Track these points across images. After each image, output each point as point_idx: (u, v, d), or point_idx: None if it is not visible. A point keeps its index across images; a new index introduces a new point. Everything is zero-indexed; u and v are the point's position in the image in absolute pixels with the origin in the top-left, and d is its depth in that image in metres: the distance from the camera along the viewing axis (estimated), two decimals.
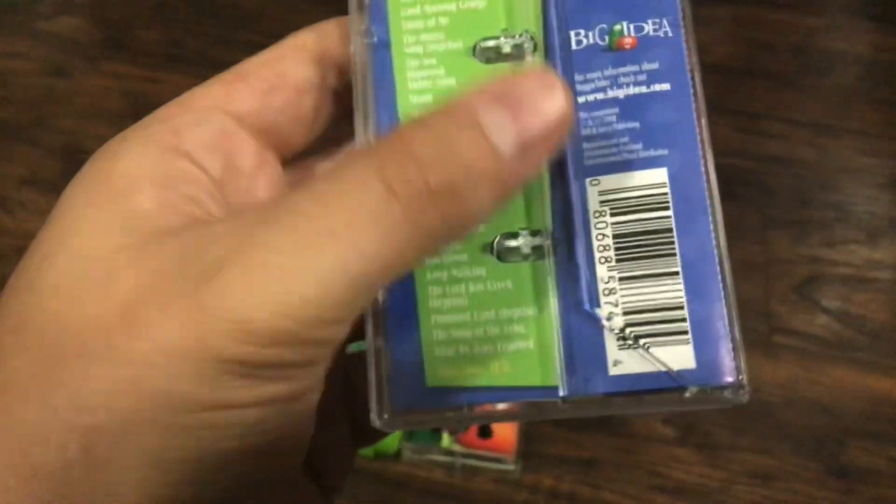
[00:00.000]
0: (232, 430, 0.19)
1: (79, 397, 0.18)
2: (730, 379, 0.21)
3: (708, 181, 0.23)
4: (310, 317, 0.18)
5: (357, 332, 0.27)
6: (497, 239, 0.23)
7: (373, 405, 0.22)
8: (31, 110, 0.67)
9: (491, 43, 0.24)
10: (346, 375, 0.27)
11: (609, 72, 0.24)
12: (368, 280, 0.18)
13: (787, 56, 0.71)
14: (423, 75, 0.24)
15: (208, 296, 0.18)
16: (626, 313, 0.22)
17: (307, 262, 0.18)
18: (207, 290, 0.18)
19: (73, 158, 0.64)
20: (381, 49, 0.25)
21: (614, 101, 0.23)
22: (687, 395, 0.21)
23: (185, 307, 0.18)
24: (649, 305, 0.22)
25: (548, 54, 0.24)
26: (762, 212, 0.63)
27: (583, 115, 0.23)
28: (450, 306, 0.23)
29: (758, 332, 0.61)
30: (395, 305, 0.23)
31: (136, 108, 0.67)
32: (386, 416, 0.22)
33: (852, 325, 0.60)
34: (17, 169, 0.64)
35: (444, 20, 0.25)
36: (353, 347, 0.26)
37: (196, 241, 0.19)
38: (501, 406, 0.22)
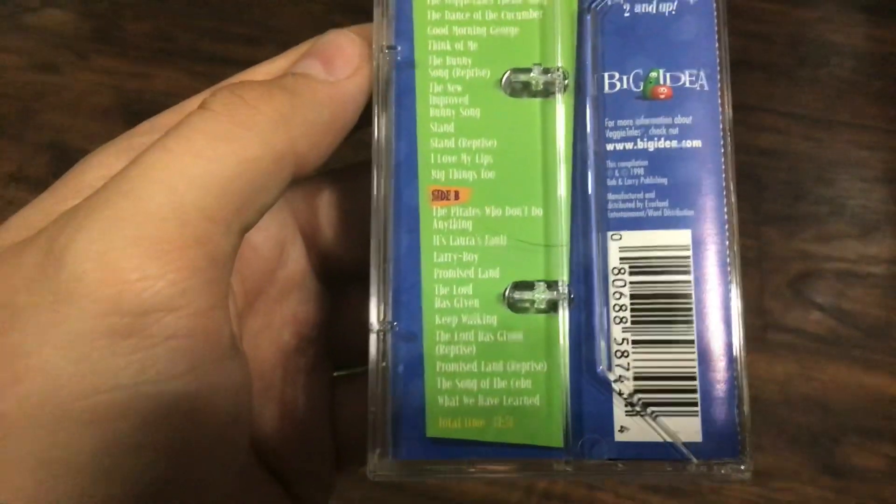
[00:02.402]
0: (129, 405, 0.18)
1: None
2: (734, 457, 0.21)
3: (731, 249, 0.22)
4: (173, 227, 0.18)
5: (345, 359, 0.26)
6: (509, 289, 0.22)
7: (369, 451, 0.22)
8: (17, 106, 0.64)
9: (522, 76, 0.23)
10: (331, 398, 0.26)
11: (641, 121, 0.23)
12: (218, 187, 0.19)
13: (781, 48, 0.69)
14: (445, 102, 0.23)
15: (67, 263, 0.17)
16: (636, 378, 0.22)
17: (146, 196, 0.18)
18: (64, 259, 0.17)
19: (61, 154, 0.61)
20: (405, 68, 0.23)
21: (644, 154, 0.22)
22: (690, 468, 0.21)
23: (46, 295, 0.17)
24: (661, 373, 0.22)
25: (578, 95, 0.23)
26: (756, 206, 0.62)
27: (610, 164, 0.23)
28: (456, 354, 0.22)
29: (752, 329, 0.61)
30: (400, 348, 0.22)
31: (126, 103, 0.64)
32: (382, 464, 0.22)
33: (847, 321, 0.60)
34: (4, 165, 0.61)
35: (473, 44, 0.23)
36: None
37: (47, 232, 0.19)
38: (502, 465, 0.22)
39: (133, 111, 0.62)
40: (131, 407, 0.18)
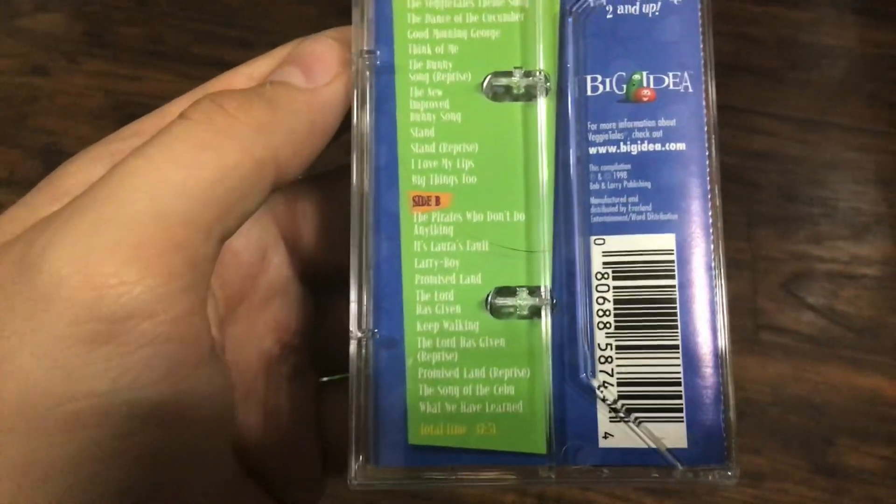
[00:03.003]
0: (106, 412, 0.18)
1: None
2: (721, 463, 0.21)
3: (716, 252, 0.22)
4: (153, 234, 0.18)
5: (331, 365, 0.26)
6: (492, 294, 0.22)
7: (350, 459, 0.21)
8: (9, 109, 0.64)
9: (503, 80, 0.23)
10: (316, 405, 0.26)
11: (624, 124, 0.22)
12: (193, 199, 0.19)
13: (773, 50, 0.70)
14: (426, 107, 0.23)
15: (42, 276, 0.17)
16: (620, 384, 0.21)
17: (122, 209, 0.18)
18: (40, 264, 0.17)
19: (53, 159, 0.61)
20: (385, 73, 0.23)
21: (627, 157, 0.22)
22: (676, 474, 0.21)
23: (23, 300, 0.17)
24: (645, 378, 0.21)
25: (560, 98, 0.23)
26: (748, 208, 0.62)
27: (592, 167, 0.22)
28: (438, 361, 0.22)
29: (745, 330, 0.61)
30: (382, 355, 0.22)
31: (118, 106, 0.64)
32: (363, 471, 0.21)
33: (839, 322, 0.61)
34: None
35: (453, 48, 0.23)
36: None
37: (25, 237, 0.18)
38: (485, 472, 0.22)
39: (126, 114, 0.61)
40: (108, 414, 0.18)
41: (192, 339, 0.19)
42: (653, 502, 0.56)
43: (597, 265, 0.22)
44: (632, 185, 0.22)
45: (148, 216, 0.18)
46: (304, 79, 0.22)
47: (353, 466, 0.21)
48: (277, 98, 0.21)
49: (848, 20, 0.71)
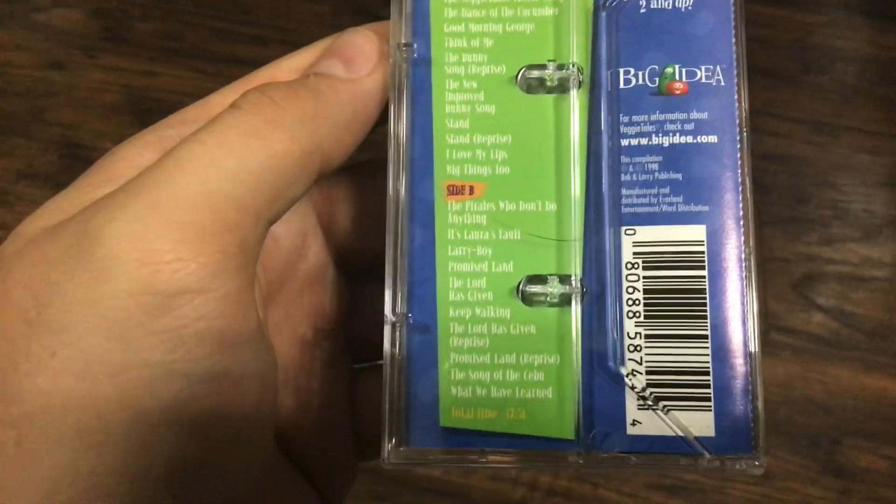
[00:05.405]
0: (158, 383, 0.18)
1: (8, 388, 0.18)
2: (748, 451, 0.21)
3: (747, 244, 0.22)
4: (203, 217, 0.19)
5: (365, 351, 0.27)
6: (523, 282, 0.22)
7: (384, 439, 0.22)
8: (27, 103, 0.65)
9: (536, 73, 0.23)
10: (349, 390, 0.26)
11: (656, 117, 0.23)
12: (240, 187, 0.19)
13: (786, 52, 0.70)
14: (461, 98, 0.23)
15: (102, 245, 0.18)
16: (649, 373, 0.22)
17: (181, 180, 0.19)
18: (100, 232, 0.18)
19: (70, 152, 0.62)
20: (421, 65, 0.23)
21: (658, 149, 0.23)
22: (703, 462, 0.21)
23: (82, 273, 0.18)
24: (674, 367, 0.22)
25: (593, 90, 0.23)
26: (759, 209, 0.63)
27: (624, 159, 0.23)
28: (470, 346, 0.22)
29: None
30: (415, 339, 0.22)
31: (134, 101, 0.65)
32: (396, 451, 0.22)
33: (849, 324, 0.61)
34: (14, 162, 0.62)
35: (489, 41, 0.23)
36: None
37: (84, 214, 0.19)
38: (513, 455, 0.22)
39: (141, 109, 0.62)
40: (160, 385, 0.18)
41: (241, 316, 0.20)
42: (661, 499, 0.56)
43: (627, 255, 0.22)
44: (663, 176, 0.22)
45: (201, 198, 0.19)
46: (346, 70, 0.22)
47: (387, 447, 0.22)
48: (321, 89, 0.22)
49: (860, 23, 0.71)
